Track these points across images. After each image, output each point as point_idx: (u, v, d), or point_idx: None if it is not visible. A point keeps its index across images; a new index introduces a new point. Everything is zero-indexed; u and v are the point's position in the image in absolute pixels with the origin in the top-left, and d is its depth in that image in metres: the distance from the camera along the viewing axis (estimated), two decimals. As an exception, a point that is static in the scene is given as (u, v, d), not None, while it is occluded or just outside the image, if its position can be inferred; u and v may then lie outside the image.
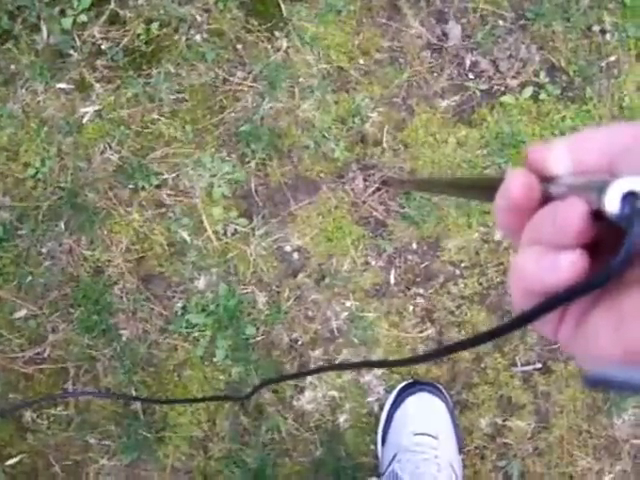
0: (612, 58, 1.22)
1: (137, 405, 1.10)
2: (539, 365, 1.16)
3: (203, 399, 1.12)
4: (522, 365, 1.16)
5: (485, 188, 0.40)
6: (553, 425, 1.15)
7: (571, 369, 1.16)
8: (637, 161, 0.27)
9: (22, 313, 1.11)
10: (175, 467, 1.10)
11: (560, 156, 0.30)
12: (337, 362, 1.12)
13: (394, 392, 1.11)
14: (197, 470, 1.11)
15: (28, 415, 1.09)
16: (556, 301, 0.26)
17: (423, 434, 1.08)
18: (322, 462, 1.11)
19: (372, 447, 1.13)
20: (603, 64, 1.22)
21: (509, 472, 1.14)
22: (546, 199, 0.29)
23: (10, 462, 1.08)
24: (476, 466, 1.14)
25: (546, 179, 0.30)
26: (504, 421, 1.14)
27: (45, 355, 1.10)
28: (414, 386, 1.11)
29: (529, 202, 0.29)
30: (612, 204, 0.25)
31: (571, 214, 0.26)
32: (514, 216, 0.30)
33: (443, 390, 1.12)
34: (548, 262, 0.27)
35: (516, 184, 0.29)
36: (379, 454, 1.12)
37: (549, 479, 1.15)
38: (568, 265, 0.26)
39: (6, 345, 1.10)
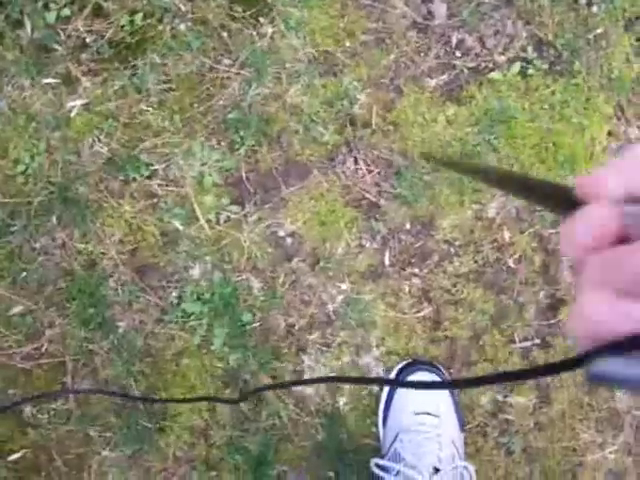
0: (599, 30, 1.22)
1: (137, 395, 1.10)
2: (537, 341, 1.16)
3: (197, 399, 1.12)
4: (520, 341, 1.15)
5: (542, 194, 0.38)
6: (554, 400, 1.15)
7: (570, 344, 1.16)
8: None
9: (18, 309, 1.11)
10: (177, 456, 1.11)
11: (613, 182, 0.29)
12: (335, 344, 1.12)
13: (393, 372, 1.11)
14: (199, 458, 1.11)
15: (28, 410, 1.09)
16: (623, 348, 0.25)
17: (424, 413, 1.08)
18: (324, 446, 1.11)
19: (373, 429, 1.13)
20: (590, 37, 1.21)
21: (511, 448, 1.14)
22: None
23: (12, 457, 1.08)
24: (478, 443, 1.14)
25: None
26: (504, 397, 1.14)
27: (43, 350, 1.10)
28: (413, 366, 1.10)
29: (606, 240, 0.28)
30: None
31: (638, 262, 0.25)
32: (587, 249, 0.29)
33: (442, 368, 1.12)
34: (623, 311, 0.26)
35: (595, 221, 0.28)
36: (380, 435, 1.12)
37: (552, 454, 1.15)
38: None
39: (3, 342, 1.10)
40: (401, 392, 1.10)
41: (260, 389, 1.04)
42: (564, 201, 0.31)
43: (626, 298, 0.26)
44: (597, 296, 0.28)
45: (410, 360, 1.12)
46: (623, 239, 0.28)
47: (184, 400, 1.11)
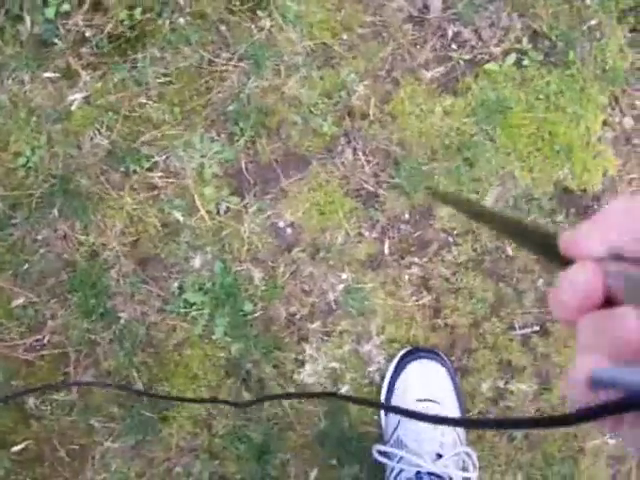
0: (593, 22, 1.23)
1: (139, 386, 1.10)
2: (537, 327, 1.17)
3: (203, 400, 1.12)
4: (520, 328, 1.16)
5: (531, 239, 0.39)
6: (554, 386, 1.15)
7: (570, 332, 1.17)
8: None
9: (20, 301, 1.11)
10: (180, 446, 1.11)
11: (594, 241, 0.30)
12: (336, 333, 1.13)
13: (395, 360, 1.12)
14: (202, 448, 1.11)
15: (31, 402, 1.09)
16: (611, 410, 0.25)
17: (426, 400, 1.09)
18: (326, 434, 1.12)
19: (375, 416, 1.13)
20: (585, 28, 1.23)
21: (512, 435, 1.14)
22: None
23: (15, 449, 1.08)
24: (479, 430, 1.14)
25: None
26: (505, 384, 1.15)
27: (45, 341, 1.11)
28: (414, 353, 1.11)
29: (592, 302, 0.29)
30: None
31: (626, 328, 0.26)
32: (575, 310, 0.30)
33: (443, 356, 1.12)
34: None
35: (579, 285, 0.29)
36: (382, 423, 1.13)
37: (553, 440, 1.15)
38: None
39: (6, 334, 1.10)
40: (402, 379, 1.11)
41: (267, 397, 1.05)
42: (555, 252, 0.32)
43: (617, 362, 0.27)
44: (589, 361, 0.28)
45: (411, 348, 1.13)
46: (612, 299, 0.28)
47: (191, 400, 1.11)
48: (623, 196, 0.32)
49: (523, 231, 0.41)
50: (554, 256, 0.32)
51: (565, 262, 0.31)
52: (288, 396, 1.10)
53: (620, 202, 0.30)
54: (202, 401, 1.10)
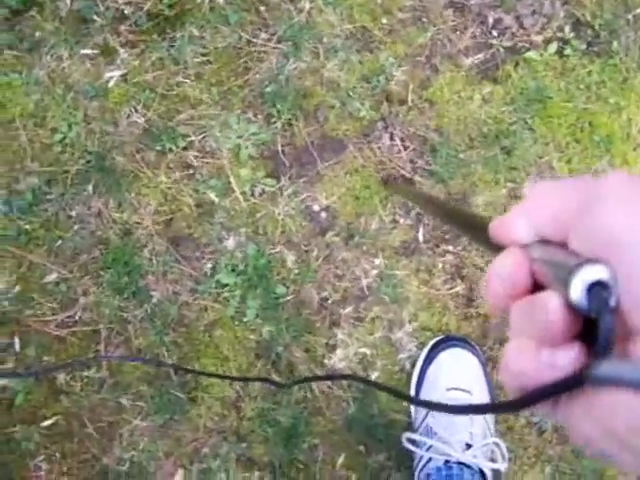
0: (639, 10, 1.21)
1: (176, 364, 1.10)
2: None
3: (243, 378, 1.12)
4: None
5: (470, 226, 0.39)
6: (586, 379, 1.14)
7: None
8: (586, 234, 0.26)
9: (53, 277, 1.11)
10: (208, 427, 1.11)
11: (521, 227, 0.30)
12: (368, 319, 1.12)
13: (426, 348, 1.11)
14: (230, 430, 1.11)
15: (62, 377, 1.09)
16: (545, 395, 0.26)
17: (456, 389, 1.08)
18: (355, 420, 1.11)
19: (405, 404, 1.12)
20: (630, 17, 1.21)
21: (543, 427, 1.13)
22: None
23: (45, 423, 1.08)
24: (509, 421, 1.13)
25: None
26: (537, 376, 1.14)
27: (77, 318, 1.11)
28: (446, 341, 1.10)
29: (520, 288, 0.29)
30: (577, 297, 0.25)
31: (549, 314, 0.26)
32: (506, 298, 0.30)
33: (475, 345, 1.11)
34: (544, 362, 0.27)
35: (506, 271, 0.29)
36: (412, 411, 1.12)
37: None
38: (566, 364, 0.26)
39: (38, 309, 1.10)
40: (433, 367, 1.10)
41: (309, 379, 1.04)
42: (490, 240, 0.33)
43: (545, 346, 0.27)
44: (519, 346, 0.28)
45: (443, 336, 1.12)
46: (541, 284, 0.29)
47: (233, 378, 1.10)
48: (545, 180, 0.32)
49: (465, 219, 0.42)
50: (491, 243, 0.33)
51: (499, 249, 0.32)
52: (324, 378, 1.09)
53: (542, 186, 0.30)
54: (237, 379, 1.09)
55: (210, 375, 1.07)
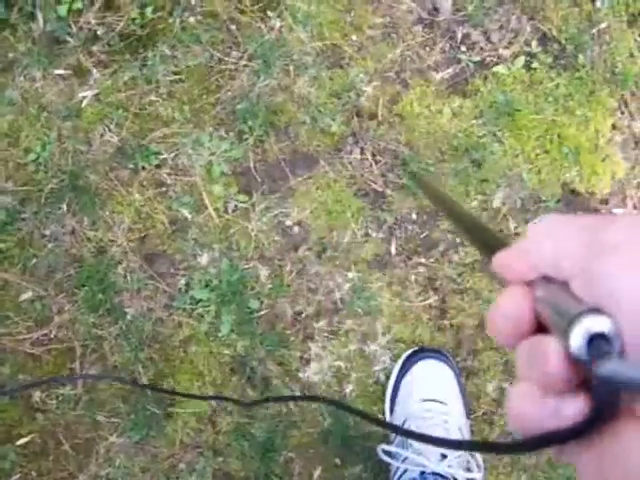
0: (603, 25, 1.23)
1: (145, 382, 1.11)
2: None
3: (210, 397, 1.12)
4: (526, 330, 1.16)
5: (483, 241, 0.39)
6: (559, 388, 1.15)
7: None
8: (589, 279, 0.26)
9: (28, 295, 1.12)
10: (184, 442, 1.11)
11: (523, 265, 0.29)
12: (342, 332, 1.13)
13: (400, 360, 1.12)
14: (206, 445, 1.11)
15: (37, 395, 1.10)
16: (548, 442, 0.26)
17: (432, 400, 1.09)
18: (331, 432, 1.11)
19: (380, 416, 1.13)
20: (594, 31, 1.23)
21: (517, 437, 1.14)
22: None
23: (21, 442, 1.08)
24: (484, 432, 1.14)
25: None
26: (510, 385, 1.15)
27: (52, 336, 1.11)
28: (420, 353, 1.11)
29: (525, 328, 0.29)
30: (577, 347, 0.24)
31: (548, 361, 0.26)
32: (511, 337, 0.29)
33: (449, 356, 1.12)
34: (549, 410, 0.26)
35: (510, 311, 0.29)
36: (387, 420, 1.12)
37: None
38: (571, 415, 0.26)
39: (13, 327, 1.11)
40: (408, 379, 1.10)
41: (272, 399, 1.05)
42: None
43: (549, 393, 0.27)
44: (523, 391, 0.28)
45: (417, 348, 1.13)
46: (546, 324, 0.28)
47: (196, 397, 1.11)
48: (546, 217, 0.32)
49: (479, 231, 0.41)
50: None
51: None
52: (290, 398, 1.10)
53: (546, 223, 0.30)
54: (208, 398, 1.10)
55: (179, 394, 1.08)
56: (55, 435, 1.09)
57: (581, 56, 1.22)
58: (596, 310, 0.24)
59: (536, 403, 0.27)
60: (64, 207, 1.14)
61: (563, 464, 1.13)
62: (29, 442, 1.09)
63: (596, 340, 0.24)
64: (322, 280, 1.14)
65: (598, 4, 1.24)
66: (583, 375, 0.26)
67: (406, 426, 1.08)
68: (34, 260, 1.12)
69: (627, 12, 1.24)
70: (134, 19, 1.19)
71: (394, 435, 1.09)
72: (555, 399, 0.26)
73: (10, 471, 1.08)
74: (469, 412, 1.12)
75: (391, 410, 1.12)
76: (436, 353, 1.12)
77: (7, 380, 1.09)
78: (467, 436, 1.09)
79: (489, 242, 0.36)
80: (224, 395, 1.09)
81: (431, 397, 1.09)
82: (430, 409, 1.08)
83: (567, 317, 0.25)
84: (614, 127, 1.22)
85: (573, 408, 0.26)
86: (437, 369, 1.11)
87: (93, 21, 1.19)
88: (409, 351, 1.13)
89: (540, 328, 0.28)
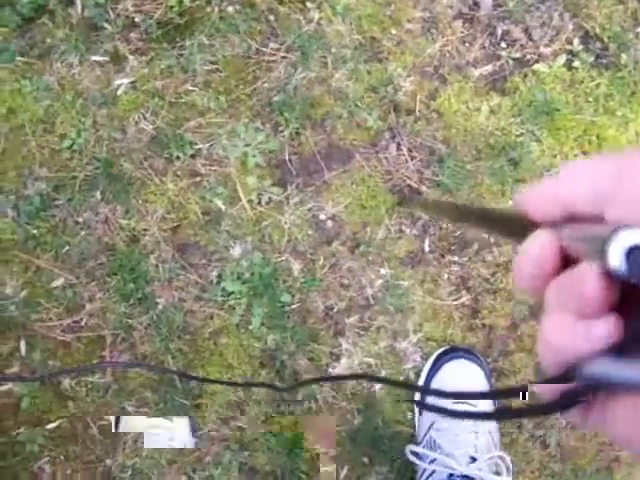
0: (647, 24, 1.21)
1: (176, 370, 1.10)
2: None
3: (244, 384, 1.12)
4: (559, 333, 1.14)
5: (498, 221, 0.39)
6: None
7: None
8: (626, 200, 0.26)
9: (59, 282, 1.12)
10: (211, 435, 1.11)
11: (548, 200, 0.30)
12: (373, 328, 1.12)
13: (431, 359, 1.11)
14: (233, 437, 1.11)
15: (67, 382, 1.10)
16: (576, 397, 0.26)
17: (461, 401, 1.07)
18: (359, 430, 1.11)
19: (409, 415, 1.12)
20: (639, 30, 1.21)
21: (547, 441, 1.13)
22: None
23: (50, 426, 1.09)
24: (513, 434, 1.13)
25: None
26: (542, 389, 1.13)
27: (82, 323, 1.11)
28: (451, 352, 1.10)
29: (552, 266, 0.29)
30: (616, 262, 0.24)
31: (586, 284, 0.26)
32: (537, 280, 0.30)
33: (480, 356, 1.11)
34: (581, 333, 0.27)
35: (537, 251, 0.29)
36: (416, 423, 1.11)
37: (585, 450, 1.13)
38: (602, 337, 0.26)
39: (44, 314, 1.11)
40: (438, 379, 1.09)
41: (309, 381, 1.04)
42: (521, 228, 0.32)
43: (582, 319, 0.27)
44: (556, 320, 0.28)
45: (448, 347, 1.12)
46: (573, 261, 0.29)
47: (229, 383, 1.10)
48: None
49: (489, 216, 0.42)
50: (519, 233, 0.32)
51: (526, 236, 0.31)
52: (328, 379, 1.09)
53: (575, 162, 0.30)
54: (241, 385, 1.09)
55: (212, 381, 1.07)
56: (84, 421, 1.09)
57: (624, 55, 1.20)
58: (630, 225, 0.24)
59: (568, 329, 0.27)
60: (98, 195, 1.13)
61: (593, 473, 1.12)
62: (58, 427, 1.09)
63: (633, 254, 0.24)
64: (354, 276, 1.13)
65: (643, 3, 1.21)
66: (616, 299, 0.26)
67: (434, 427, 1.07)
68: (67, 247, 1.12)
69: (672, 12, 1.21)
70: (172, 7, 1.18)
71: (422, 436, 1.07)
72: (587, 322, 0.27)
73: (39, 454, 1.08)
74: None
75: (420, 410, 1.11)
76: (467, 353, 1.10)
77: (38, 366, 1.10)
78: (497, 439, 1.08)
79: (510, 222, 0.36)
80: (259, 382, 1.09)
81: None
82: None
83: (600, 240, 0.25)
84: (655, 129, 1.20)
85: (605, 328, 0.26)
86: (468, 369, 1.10)
87: (131, 8, 1.18)
88: (440, 350, 1.12)
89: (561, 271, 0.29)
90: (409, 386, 0.77)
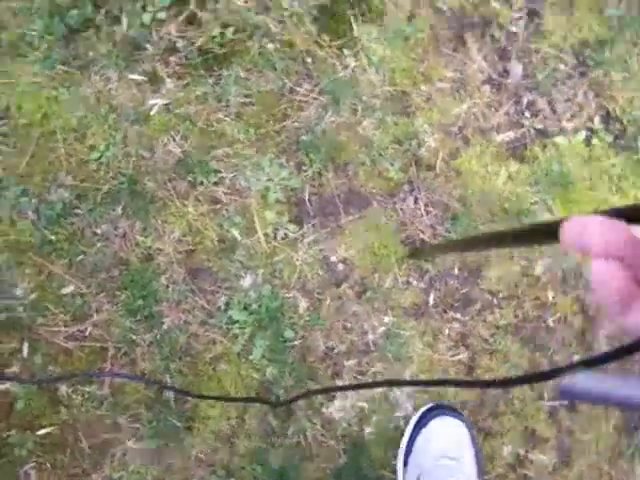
0: (666, 113, 1.26)
1: (170, 393, 1.12)
2: (566, 402, 1.17)
3: (239, 399, 1.14)
4: (549, 400, 1.17)
5: (532, 234, 0.42)
6: (574, 462, 1.16)
7: (597, 412, 1.18)
8: None
9: (70, 289, 1.13)
10: (199, 458, 1.12)
11: (594, 233, 0.32)
12: (370, 373, 1.14)
13: (418, 413, 1.13)
14: (220, 464, 1.12)
15: (64, 389, 1.11)
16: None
17: (446, 457, 1.10)
18: (344, 470, 1.12)
19: (393, 462, 1.14)
20: (657, 117, 1.25)
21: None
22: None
23: (41, 432, 1.10)
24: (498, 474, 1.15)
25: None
26: (526, 452, 1.16)
27: (87, 333, 1.13)
28: (437, 409, 1.12)
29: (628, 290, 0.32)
30: None
31: None
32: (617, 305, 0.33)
33: (465, 415, 1.13)
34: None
35: (610, 284, 0.32)
36: (399, 471, 1.13)
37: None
38: None
39: (50, 319, 1.13)
40: (425, 433, 1.11)
41: (308, 393, 1.06)
42: (546, 234, 0.34)
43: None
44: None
45: (434, 404, 1.14)
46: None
47: (219, 398, 1.12)
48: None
49: (510, 234, 0.44)
50: (540, 237, 0.35)
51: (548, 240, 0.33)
52: (334, 389, 1.11)
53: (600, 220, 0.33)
54: (236, 400, 1.11)
55: (207, 398, 1.09)
56: (75, 431, 1.11)
57: (641, 140, 1.24)
58: None
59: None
60: (119, 209, 1.15)
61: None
62: (49, 434, 1.10)
63: None
64: (358, 320, 1.16)
65: (665, 92, 1.26)
66: None
67: (421, 476, 1.09)
68: (81, 256, 1.14)
69: (692, 104, 1.26)
70: (214, 37, 1.21)
71: (406, 484, 1.09)
72: None
73: (26, 459, 1.09)
74: (483, 472, 1.13)
75: (405, 460, 1.13)
76: (454, 411, 1.13)
77: (37, 369, 1.11)
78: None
79: (537, 230, 0.39)
80: (254, 397, 1.10)
81: (445, 454, 1.10)
82: (443, 466, 1.09)
83: None
84: (663, 214, 1.24)
85: None
86: (454, 427, 1.12)
87: (174, 33, 1.21)
88: (427, 406, 1.14)
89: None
90: (435, 382, 0.79)
